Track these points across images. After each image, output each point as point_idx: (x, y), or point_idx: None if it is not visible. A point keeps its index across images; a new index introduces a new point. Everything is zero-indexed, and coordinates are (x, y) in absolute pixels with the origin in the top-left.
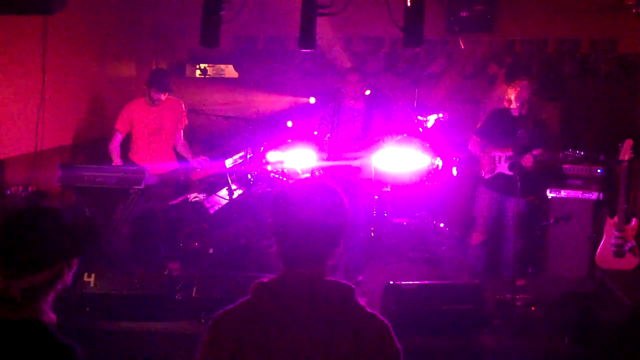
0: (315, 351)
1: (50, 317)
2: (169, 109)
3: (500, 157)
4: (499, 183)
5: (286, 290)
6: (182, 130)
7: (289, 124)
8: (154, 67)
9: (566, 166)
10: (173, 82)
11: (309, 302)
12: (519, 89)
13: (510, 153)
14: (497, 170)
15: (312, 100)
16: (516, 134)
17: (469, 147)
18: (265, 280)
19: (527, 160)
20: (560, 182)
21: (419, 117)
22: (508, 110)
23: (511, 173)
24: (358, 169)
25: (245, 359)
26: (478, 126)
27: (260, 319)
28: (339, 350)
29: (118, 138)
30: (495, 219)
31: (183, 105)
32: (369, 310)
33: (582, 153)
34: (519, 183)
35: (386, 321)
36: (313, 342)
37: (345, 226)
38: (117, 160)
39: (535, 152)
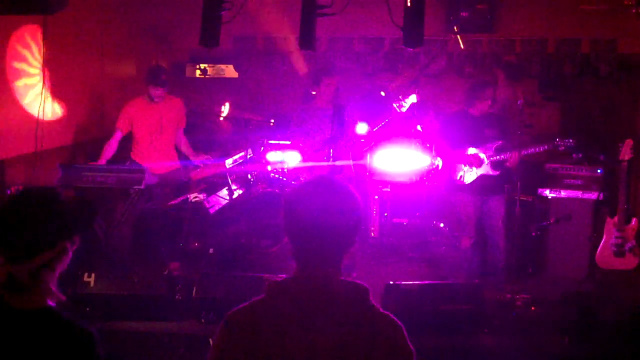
0: (329, 351)
1: (59, 296)
2: (170, 108)
3: (480, 159)
4: (480, 185)
5: (301, 290)
6: (182, 130)
7: (272, 122)
8: None
9: (552, 165)
10: (167, 77)
11: (323, 302)
12: (489, 99)
13: (490, 152)
14: (480, 173)
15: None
16: (484, 134)
17: (437, 153)
18: (279, 279)
19: (513, 159)
20: (550, 180)
21: (395, 104)
22: (466, 111)
23: (496, 173)
24: (345, 169)
25: (259, 358)
26: (440, 130)
27: (275, 318)
28: (353, 350)
29: (117, 136)
30: (484, 221)
31: (183, 104)
32: (383, 311)
33: (572, 140)
34: (499, 181)
35: (399, 322)
36: (327, 342)
37: (359, 225)
38: (103, 159)
39: (514, 152)
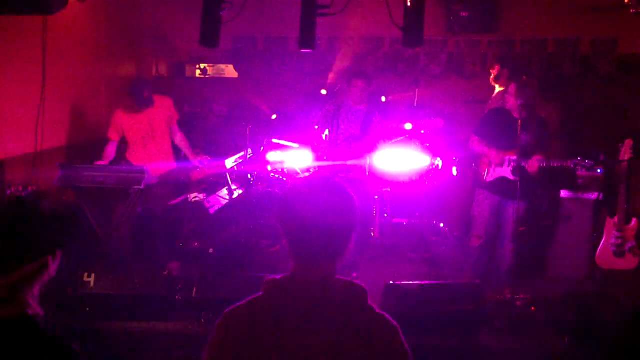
0: (325, 350)
1: (37, 311)
2: (158, 108)
3: (502, 161)
4: (501, 187)
5: (298, 289)
6: (176, 124)
7: (274, 117)
8: (154, 68)
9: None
10: (149, 93)
11: (320, 301)
12: (507, 94)
13: (513, 157)
14: (500, 174)
15: (324, 91)
16: (518, 136)
17: (470, 147)
18: (277, 277)
19: (532, 166)
20: (573, 185)
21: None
22: (509, 110)
23: (514, 178)
24: (356, 168)
25: (255, 356)
26: (477, 125)
27: (271, 316)
28: (348, 350)
29: (111, 146)
30: (494, 223)
31: (172, 102)
32: (379, 311)
33: (592, 163)
34: (519, 186)
35: (396, 323)
36: (323, 341)
37: (356, 224)
38: (104, 162)
39: (538, 157)
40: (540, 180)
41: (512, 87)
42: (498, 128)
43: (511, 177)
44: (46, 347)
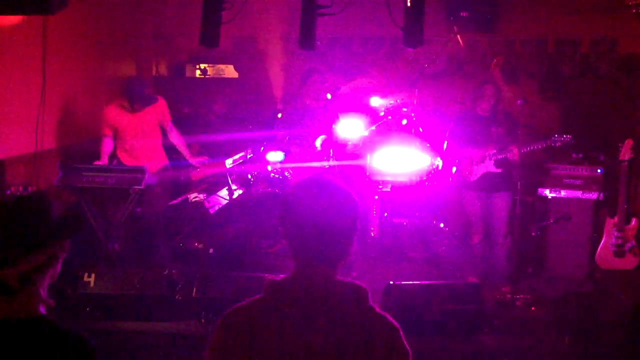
0: (326, 351)
1: (49, 302)
2: (151, 109)
3: (483, 157)
4: (485, 182)
5: (299, 289)
6: (171, 124)
7: (279, 115)
8: (154, 68)
9: (552, 165)
10: (148, 90)
11: (322, 302)
12: (486, 96)
13: (493, 151)
14: (484, 170)
15: (329, 96)
16: (491, 132)
17: (447, 153)
18: (278, 278)
19: (513, 154)
20: (550, 180)
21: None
22: (474, 111)
23: (499, 170)
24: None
25: (256, 357)
26: (448, 131)
27: (272, 317)
28: (350, 351)
29: (107, 142)
30: (487, 217)
31: (165, 103)
32: (380, 312)
33: (569, 136)
34: (518, 178)
35: (396, 324)
36: (324, 342)
37: (357, 224)
38: (104, 156)
39: (514, 147)
40: (523, 169)
41: (489, 92)
42: (469, 129)
43: (495, 170)
44: (62, 345)
